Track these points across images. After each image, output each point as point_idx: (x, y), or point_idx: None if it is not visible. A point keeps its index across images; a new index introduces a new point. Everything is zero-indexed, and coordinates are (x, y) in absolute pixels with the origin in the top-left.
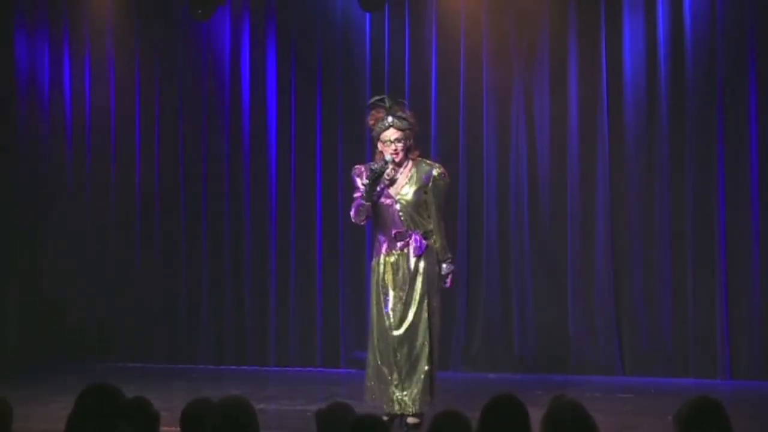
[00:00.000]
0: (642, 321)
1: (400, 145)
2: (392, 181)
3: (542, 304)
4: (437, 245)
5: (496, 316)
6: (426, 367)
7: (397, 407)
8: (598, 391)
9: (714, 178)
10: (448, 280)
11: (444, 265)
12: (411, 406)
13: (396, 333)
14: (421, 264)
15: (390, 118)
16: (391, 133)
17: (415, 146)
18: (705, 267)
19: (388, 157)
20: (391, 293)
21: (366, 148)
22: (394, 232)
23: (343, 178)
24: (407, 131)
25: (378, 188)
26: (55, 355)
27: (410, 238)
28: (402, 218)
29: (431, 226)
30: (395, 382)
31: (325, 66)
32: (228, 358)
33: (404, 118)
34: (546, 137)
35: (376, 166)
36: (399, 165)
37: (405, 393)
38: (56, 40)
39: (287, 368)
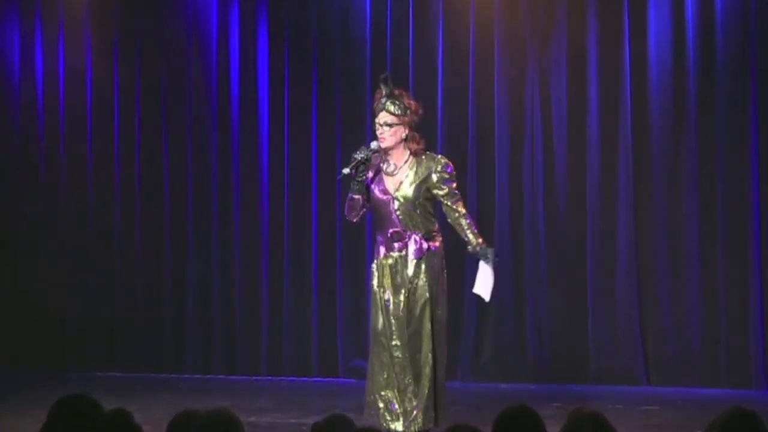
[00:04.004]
0: (668, 326)
1: (387, 130)
2: (391, 175)
3: (559, 308)
4: (471, 240)
5: (509, 322)
6: (430, 381)
7: (399, 423)
8: (620, 403)
9: (747, 174)
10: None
11: (485, 263)
12: (414, 422)
13: (397, 343)
14: (423, 267)
15: (384, 100)
16: (382, 116)
17: (417, 138)
18: (737, 268)
19: (373, 144)
20: (391, 300)
21: (366, 142)
22: (390, 231)
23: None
24: (401, 118)
25: (364, 177)
26: (34, 365)
27: (409, 240)
28: (400, 217)
29: (435, 227)
30: (397, 396)
31: (321, 51)
32: (216, 367)
33: (400, 104)
34: (563, 129)
35: (360, 155)
36: (386, 153)
37: (407, 407)
38: (27, 18)
39: (281, 378)
